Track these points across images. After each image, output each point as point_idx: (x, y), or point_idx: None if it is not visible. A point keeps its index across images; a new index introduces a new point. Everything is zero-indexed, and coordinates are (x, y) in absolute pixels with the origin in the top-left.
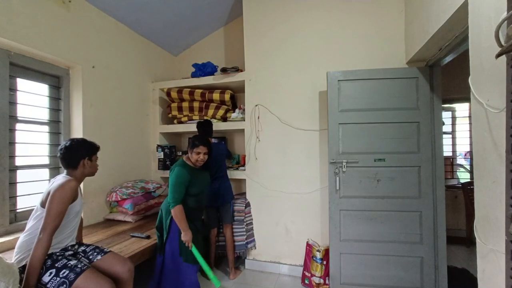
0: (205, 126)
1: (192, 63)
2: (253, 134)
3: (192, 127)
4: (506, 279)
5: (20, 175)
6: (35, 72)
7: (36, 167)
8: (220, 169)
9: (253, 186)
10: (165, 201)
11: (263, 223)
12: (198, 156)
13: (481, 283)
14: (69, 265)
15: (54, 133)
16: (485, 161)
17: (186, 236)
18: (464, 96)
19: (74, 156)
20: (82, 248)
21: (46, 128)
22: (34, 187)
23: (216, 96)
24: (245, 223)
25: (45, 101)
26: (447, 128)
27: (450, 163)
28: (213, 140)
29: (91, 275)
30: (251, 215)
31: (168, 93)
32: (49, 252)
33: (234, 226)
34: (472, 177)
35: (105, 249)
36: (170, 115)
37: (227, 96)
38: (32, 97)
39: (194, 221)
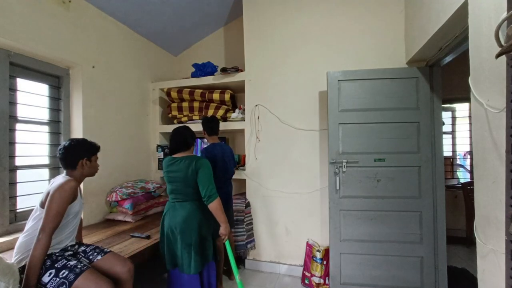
0: (210, 122)
1: (192, 63)
2: (253, 134)
3: (192, 127)
4: (506, 279)
5: (20, 175)
6: (35, 72)
7: (36, 167)
8: (228, 171)
9: (253, 186)
10: (189, 209)
11: (263, 223)
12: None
13: (481, 283)
14: (69, 265)
15: (54, 133)
16: (485, 161)
17: (226, 228)
18: (464, 96)
19: (73, 156)
20: (82, 248)
21: (46, 128)
22: (34, 187)
23: (216, 96)
24: (245, 223)
25: (45, 101)
26: (447, 128)
27: (450, 163)
28: (218, 139)
29: (90, 276)
30: (251, 215)
31: (168, 93)
32: (49, 252)
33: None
34: (472, 177)
35: (105, 249)
36: (170, 115)
37: (227, 96)
38: (32, 97)
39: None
